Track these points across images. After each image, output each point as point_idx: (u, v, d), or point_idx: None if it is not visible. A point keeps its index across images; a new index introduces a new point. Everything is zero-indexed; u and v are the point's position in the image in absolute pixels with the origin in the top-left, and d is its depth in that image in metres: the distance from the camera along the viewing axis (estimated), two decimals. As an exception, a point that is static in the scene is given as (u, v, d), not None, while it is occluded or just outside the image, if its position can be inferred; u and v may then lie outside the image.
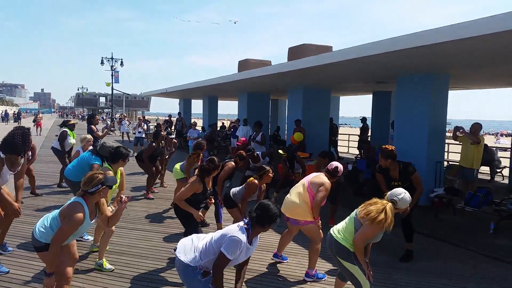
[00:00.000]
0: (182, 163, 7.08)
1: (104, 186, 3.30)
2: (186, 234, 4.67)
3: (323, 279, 4.38)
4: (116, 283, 4.19)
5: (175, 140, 9.90)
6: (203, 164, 4.62)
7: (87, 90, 72.97)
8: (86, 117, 10.98)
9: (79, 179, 5.26)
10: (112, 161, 4.70)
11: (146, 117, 26.18)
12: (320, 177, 4.41)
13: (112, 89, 37.82)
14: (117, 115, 44.90)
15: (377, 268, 4.50)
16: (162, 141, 8.76)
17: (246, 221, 3.08)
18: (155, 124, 16.06)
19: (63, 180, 8.53)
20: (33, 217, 6.47)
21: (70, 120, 9.50)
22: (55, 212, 3.34)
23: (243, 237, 2.96)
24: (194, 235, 3.28)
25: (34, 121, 25.54)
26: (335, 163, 4.54)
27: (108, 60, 36.03)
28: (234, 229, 3.02)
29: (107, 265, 4.50)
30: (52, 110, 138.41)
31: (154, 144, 8.28)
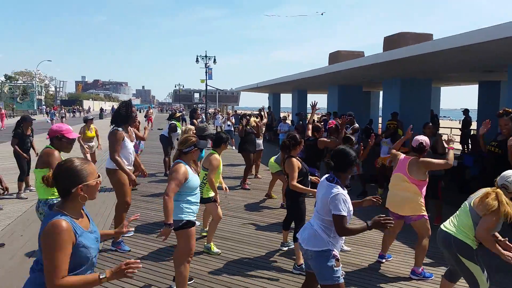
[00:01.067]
0: (276, 156, 7.27)
1: (196, 148, 3.62)
2: (287, 221, 4.87)
3: (431, 278, 4.21)
4: (222, 265, 4.50)
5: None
6: (284, 140, 4.71)
7: (183, 86, 77.93)
8: (189, 111, 11.76)
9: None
10: (215, 145, 5.13)
11: (238, 112, 26.81)
12: (414, 162, 4.26)
13: (206, 85, 39.81)
14: (210, 110, 47.16)
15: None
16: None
17: (329, 175, 3.03)
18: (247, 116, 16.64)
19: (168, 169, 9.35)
20: (145, 202, 7.20)
21: (175, 113, 10.30)
22: None
23: (339, 189, 2.90)
24: (307, 222, 3.24)
25: (145, 116, 27.70)
26: (418, 138, 4.33)
27: (202, 58, 37.96)
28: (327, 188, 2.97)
29: (214, 249, 4.85)
30: (153, 105, 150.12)
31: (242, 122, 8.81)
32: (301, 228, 3.25)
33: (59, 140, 3.60)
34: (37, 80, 66.64)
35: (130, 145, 4.99)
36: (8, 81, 63.14)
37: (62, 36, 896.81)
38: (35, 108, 57.01)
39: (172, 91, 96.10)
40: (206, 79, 39.65)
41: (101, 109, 50.71)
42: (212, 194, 4.83)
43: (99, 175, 2.07)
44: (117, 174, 4.85)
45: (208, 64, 38.67)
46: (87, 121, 9.21)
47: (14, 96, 58.68)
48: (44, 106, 56.15)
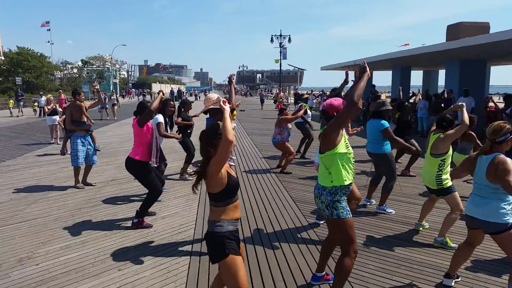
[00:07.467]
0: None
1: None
2: None
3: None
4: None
5: None
6: None
7: (247, 68, 77.94)
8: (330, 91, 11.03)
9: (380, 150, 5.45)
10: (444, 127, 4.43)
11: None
12: None
13: (280, 65, 39.41)
14: (274, 91, 46.25)
15: None
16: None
17: None
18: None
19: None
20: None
21: (303, 94, 9.86)
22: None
23: None
24: None
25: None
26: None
27: (277, 38, 37.47)
28: None
29: (451, 244, 4.30)
30: (212, 87, 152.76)
31: None
32: None
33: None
34: (109, 64, 69.49)
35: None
36: (86, 65, 66.50)
37: (127, 22, 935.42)
38: (111, 91, 59.56)
39: (235, 73, 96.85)
40: (280, 59, 39.25)
41: (172, 92, 51.43)
42: (450, 183, 4.30)
43: None
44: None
45: (282, 44, 38.16)
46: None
47: (91, 80, 61.68)
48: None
